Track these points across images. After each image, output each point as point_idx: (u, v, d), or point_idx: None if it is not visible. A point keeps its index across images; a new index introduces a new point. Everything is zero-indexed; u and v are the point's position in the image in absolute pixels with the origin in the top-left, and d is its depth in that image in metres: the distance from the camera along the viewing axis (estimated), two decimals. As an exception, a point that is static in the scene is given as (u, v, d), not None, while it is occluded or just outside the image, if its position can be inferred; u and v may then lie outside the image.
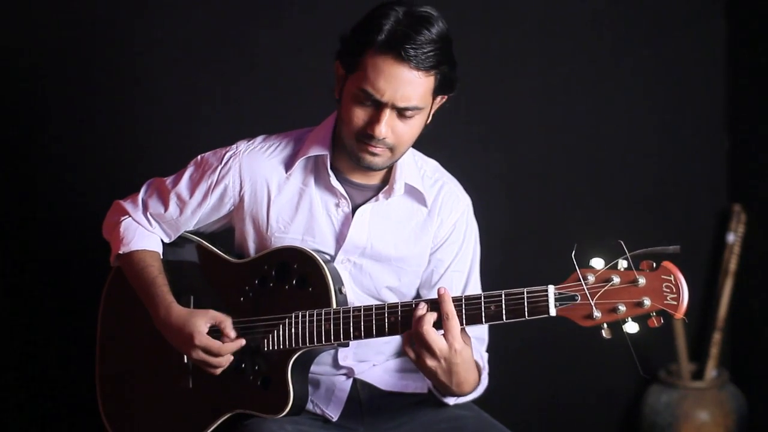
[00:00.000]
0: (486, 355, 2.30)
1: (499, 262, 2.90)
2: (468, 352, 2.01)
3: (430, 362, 1.98)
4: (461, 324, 1.97)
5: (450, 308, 1.96)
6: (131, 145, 3.20)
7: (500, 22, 3.40)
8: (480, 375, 2.16)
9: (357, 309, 2.07)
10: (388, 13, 2.00)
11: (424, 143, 2.29)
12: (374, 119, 2.04)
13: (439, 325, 1.97)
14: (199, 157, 2.31)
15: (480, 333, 2.30)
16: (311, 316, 2.11)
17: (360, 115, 2.06)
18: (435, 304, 1.99)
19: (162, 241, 2.35)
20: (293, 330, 2.12)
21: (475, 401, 2.33)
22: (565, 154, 3.49)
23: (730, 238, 3.54)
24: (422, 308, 1.99)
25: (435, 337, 1.96)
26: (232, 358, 2.16)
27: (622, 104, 3.51)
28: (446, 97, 2.14)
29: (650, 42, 3.48)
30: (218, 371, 2.16)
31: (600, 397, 3.63)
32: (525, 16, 3.41)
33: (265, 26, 3.20)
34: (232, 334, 2.16)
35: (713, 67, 3.56)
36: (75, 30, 3.13)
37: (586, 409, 3.63)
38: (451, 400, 2.22)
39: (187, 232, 2.35)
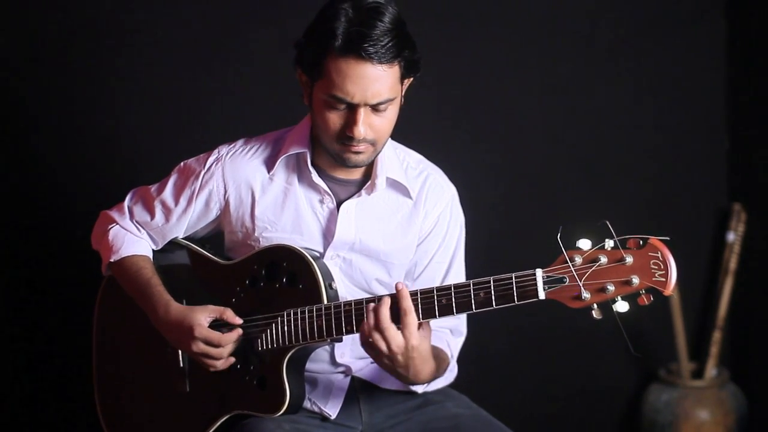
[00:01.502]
0: (458, 342, 2.32)
1: (487, 249, 2.90)
2: (425, 345, 2.02)
3: (386, 355, 1.99)
4: (435, 315, 1.98)
5: (408, 304, 1.97)
6: (127, 147, 3.22)
7: (500, 22, 3.40)
8: (446, 362, 2.20)
9: (348, 303, 2.07)
10: (338, 14, 1.99)
11: (417, 135, 2.29)
12: (351, 121, 2.04)
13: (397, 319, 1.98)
14: (182, 163, 2.32)
15: (456, 324, 2.31)
16: (303, 313, 2.11)
17: (335, 119, 2.06)
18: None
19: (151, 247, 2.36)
20: (286, 328, 2.13)
21: (473, 399, 2.35)
22: (564, 153, 3.50)
23: (730, 237, 3.54)
24: (385, 303, 1.99)
25: (393, 333, 1.97)
26: (231, 349, 2.16)
27: (622, 104, 3.51)
28: (413, 77, 2.12)
29: (650, 42, 3.49)
30: (219, 364, 2.16)
31: (600, 396, 3.62)
32: (524, 15, 3.41)
33: (262, 27, 3.21)
34: (238, 320, 2.16)
35: (713, 67, 3.55)
36: (67, 31, 3.15)
37: (586, 408, 3.62)
38: (419, 388, 2.24)
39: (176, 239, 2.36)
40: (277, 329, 2.14)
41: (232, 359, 2.17)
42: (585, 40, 3.45)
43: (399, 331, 1.97)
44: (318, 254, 2.22)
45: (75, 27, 3.15)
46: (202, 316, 2.15)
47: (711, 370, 3.55)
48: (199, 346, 2.14)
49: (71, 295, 3.14)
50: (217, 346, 2.14)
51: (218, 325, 2.17)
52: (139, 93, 3.21)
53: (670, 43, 3.50)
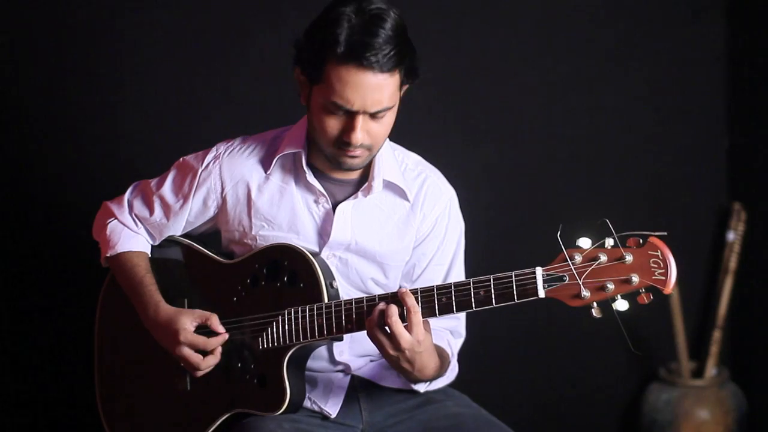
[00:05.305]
0: (457, 343, 2.33)
1: (486, 248, 2.89)
2: (429, 340, 2.03)
3: (393, 352, 2.00)
4: (435, 314, 1.99)
5: (413, 302, 1.98)
6: (129, 144, 3.22)
7: (500, 22, 3.41)
8: (447, 360, 2.21)
9: (348, 302, 2.07)
10: (340, 20, 1.97)
11: (416, 134, 2.29)
12: (348, 127, 2.04)
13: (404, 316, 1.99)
14: (181, 159, 2.33)
15: (455, 326, 2.32)
16: (303, 312, 2.12)
17: (333, 124, 2.06)
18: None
19: (148, 242, 2.37)
20: (286, 327, 2.13)
21: (473, 398, 2.36)
22: (564, 152, 3.49)
23: (730, 236, 3.54)
24: (384, 304, 2.01)
25: (401, 330, 1.97)
26: (218, 358, 2.17)
27: (622, 103, 3.51)
28: (411, 83, 2.12)
29: (650, 41, 3.49)
30: (202, 368, 2.17)
31: (600, 396, 3.62)
32: (524, 14, 3.41)
33: (262, 26, 3.21)
34: (221, 329, 2.17)
35: (713, 67, 3.56)
36: (69, 29, 3.15)
37: (586, 407, 3.62)
38: (421, 387, 2.24)
39: (177, 236, 2.36)
40: (277, 328, 2.14)
41: (217, 359, 2.18)
42: (585, 40, 3.46)
43: (406, 329, 1.98)
44: (315, 253, 2.21)
45: (84, 23, 3.15)
46: (188, 321, 2.17)
47: (711, 369, 3.55)
48: (183, 351, 2.16)
49: (73, 294, 3.15)
50: (202, 350, 2.16)
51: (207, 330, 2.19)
52: (139, 92, 3.21)
53: (670, 43, 3.50)
